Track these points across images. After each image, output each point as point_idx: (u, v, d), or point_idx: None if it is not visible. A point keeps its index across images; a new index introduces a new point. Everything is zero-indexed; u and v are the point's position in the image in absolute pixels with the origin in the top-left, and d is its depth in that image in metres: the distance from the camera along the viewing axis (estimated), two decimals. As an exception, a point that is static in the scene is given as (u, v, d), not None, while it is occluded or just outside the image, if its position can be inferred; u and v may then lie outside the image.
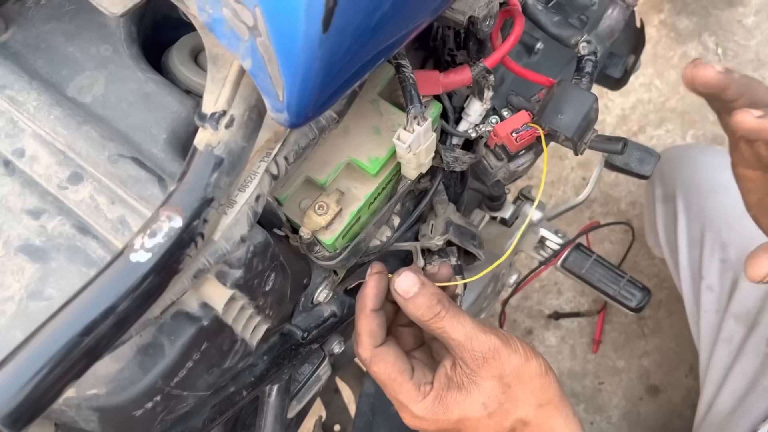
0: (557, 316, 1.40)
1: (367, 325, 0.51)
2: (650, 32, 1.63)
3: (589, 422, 1.34)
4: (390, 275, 0.53)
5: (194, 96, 0.49)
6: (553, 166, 1.54)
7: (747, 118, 0.50)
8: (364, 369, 0.96)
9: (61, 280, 0.40)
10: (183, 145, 0.46)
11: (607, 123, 1.56)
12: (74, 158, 0.43)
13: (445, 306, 0.49)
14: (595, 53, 0.60)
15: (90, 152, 0.43)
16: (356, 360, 0.99)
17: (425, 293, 0.49)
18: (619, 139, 0.61)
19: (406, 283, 0.49)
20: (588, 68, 0.60)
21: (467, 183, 0.74)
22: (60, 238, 0.41)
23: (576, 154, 0.62)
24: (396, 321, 0.57)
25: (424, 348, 0.58)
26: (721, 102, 0.57)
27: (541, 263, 0.95)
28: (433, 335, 0.51)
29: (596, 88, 1.44)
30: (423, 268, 0.60)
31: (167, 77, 0.49)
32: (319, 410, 1.02)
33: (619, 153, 0.61)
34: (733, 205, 1.05)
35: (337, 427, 0.99)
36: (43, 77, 0.46)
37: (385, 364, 0.50)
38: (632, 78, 1.61)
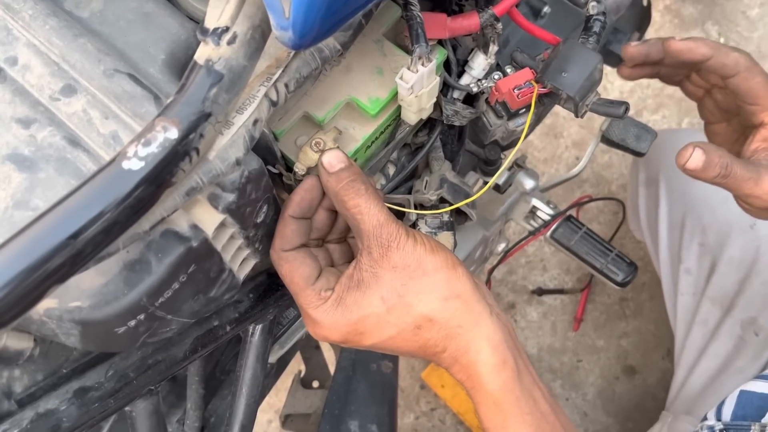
0: (541, 292, 1.40)
1: (282, 228, 0.49)
2: (654, 17, 1.62)
3: (565, 398, 1.35)
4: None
5: (195, 22, 0.47)
6: (547, 144, 1.53)
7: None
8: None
9: (49, 191, 0.39)
10: (181, 67, 0.44)
11: (605, 104, 1.56)
12: (68, 70, 0.42)
13: (368, 187, 0.48)
14: (604, 13, 0.60)
15: (85, 65, 0.42)
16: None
17: (350, 170, 0.47)
18: (621, 103, 0.61)
19: (333, 158, 0.47)
20: (596, 28, 0.59)
21: (464, 142, 0.74)
22: (50, 149, 0.40)
23: (577, 115, 0.61)
24: (327, 236, 0.55)
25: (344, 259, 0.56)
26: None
27: (530, 233, 0.94)
28: (348, 222, 0.50)
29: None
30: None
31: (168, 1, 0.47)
32: (298, 365, 1.02)
33: (620, 117, 0.60)
34: (715, 190, 1.06)
35: (315, 383, 0.99)
36: (40, -12, 0.45)
37: (289, 267, 0.49)
38: (633, 61, 1.61)
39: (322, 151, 0.49)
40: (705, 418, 0.78)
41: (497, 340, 0.49)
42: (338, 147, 0.49)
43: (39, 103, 0.41)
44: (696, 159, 0.59)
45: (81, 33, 0.43)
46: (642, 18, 1.10)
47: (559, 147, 1.53)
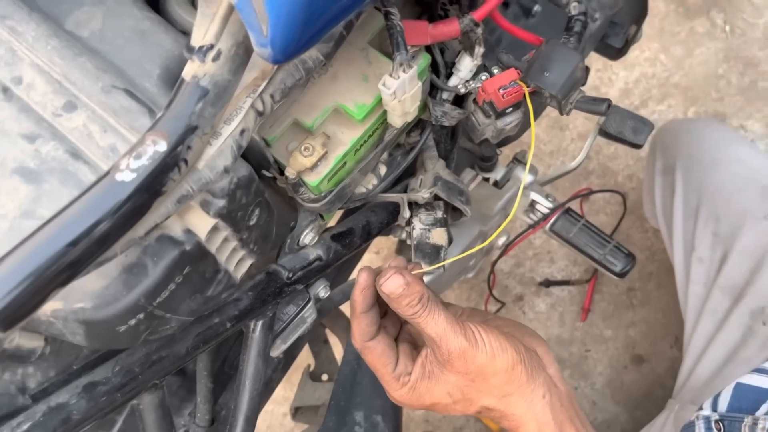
0: (548, 283, 1.42)
1: (358, 324, 0.57)
2: (658, 6, 1.63)
3: (574, 387, 1.37)
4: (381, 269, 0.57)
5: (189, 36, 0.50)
6: (553, 137, 1.55)
7: None
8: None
9: (53, 202, 0.42)
10: (175, 81, 0.47)
11: (610, 96, 1.57)
12: (69, 88, 0.45)
13: (424, 305, 0.54)
14: (584, 14, 0.61)
15: (84, 82, 0.44)
16: (343, 309, 1.01)
17: (408, 293, 0.54)
18: (603, 100, 0.62)
19: (392, 285, 0.54)
20: (576, 28, 0.61)
21: (457, 140, 0.76)
22: (53, 162, 0.43)
23: (561, 113, 0.63)
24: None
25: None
26: None
27: (530, 226, 0.96)
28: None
29: (599, 60, 1.44)
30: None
31: (164, 18, 0.50)
32: (308, 360, 1.05)
33: (603, 114, 0.62)
34: (731, 180, 1.07)
35: (324, 377, 1.02)
36: (42, 10, 0.48)
37: (372, 357, 0.58)
38: (637, 52, 1.61)
39: (381, 275, 0.54)
40: (701, 408, 0.79)
41: (545, 420, 0.57)
42: (396, 270, 0.54)
43: (43, 119, 0.44)
44: None
45: (81, 52, 0.46)
46: (639, 10, 1.10)
47: (564, 140, 1.54)
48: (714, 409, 0.74)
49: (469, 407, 0.58)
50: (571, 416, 0.57)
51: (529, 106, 0.59)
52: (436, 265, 0.63)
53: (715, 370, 0.97)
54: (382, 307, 0.60)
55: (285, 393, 1.42)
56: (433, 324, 0.54)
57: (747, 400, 0.71)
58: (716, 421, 0.73)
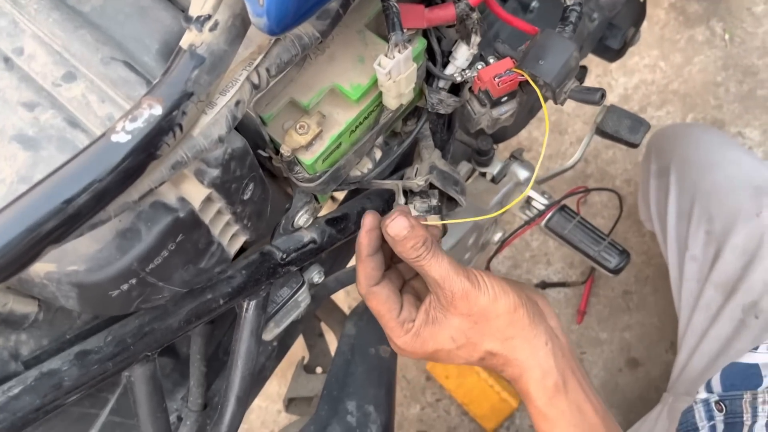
0: (544, 285, 1.42)
1: (364, 268, 0.58)
2: (659, 14, 1.64)
3: (568, 390, 1.37)
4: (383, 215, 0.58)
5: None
6: (552, 140, 1.55)
7: None
8: (348, 312, 0.99)
9: (50, 168, 0.42)
10: (173, 56, 0.48)
11: (609, 101, 1.58)
12: (69, 59, 0.45)
13: (428, 248, 0.55)
14: (580, 4, 0.62)
15: (84, 54, 0.45)
16: (339, 305, 1.02)
17: (413, 236, 0.54)
18: (597, 89, 0.63)
19: (397, 227, 0.54)
20: (572, 18, 0.62)
21: (453, 131, 0.77)
22: (51, 130, 0.44)
23: (556, 102, 0.64)
24: (394, 257, 0.63)
25: (418, 278, 0.64)
26: None
27: (525, 222, 0.97)
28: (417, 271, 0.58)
29: (599, 66, 1.45)
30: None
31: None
32: (302, 352, 1.05)
33: (596, 103, 0.63)
34: (724, 181, 1.08)
35: (319, 369, 1.02)
36: (45, -16, 0.49)
37: (377, 302, 0.58)
38: (637, 59, 1.62)
39: (389, 218, 0.55)
40: (697, 393, 0.80)
41: (548, 366, 0.57)
42: (401, 213, 0.55)
43: (42, 88, 0.45)
44: None
45: (81, 25, 0.47)
46: (638, 14, 1.12)
47: (563, 144, 1.55)
48: (709, 391, 0.75)
49: (473, 353, 0.57)
50: (572, 367, 0.58)
51: (537, 91, 0.60)
52: (448, 221, 0.66)
53: (709, 362, 0.98)
54: (386, 259, 0.60)
55: (279, 390, 1.42)
56: (437, 266, 0.54)
57: (741, 376, 0.72)
58: (716, 402, 0.74)
